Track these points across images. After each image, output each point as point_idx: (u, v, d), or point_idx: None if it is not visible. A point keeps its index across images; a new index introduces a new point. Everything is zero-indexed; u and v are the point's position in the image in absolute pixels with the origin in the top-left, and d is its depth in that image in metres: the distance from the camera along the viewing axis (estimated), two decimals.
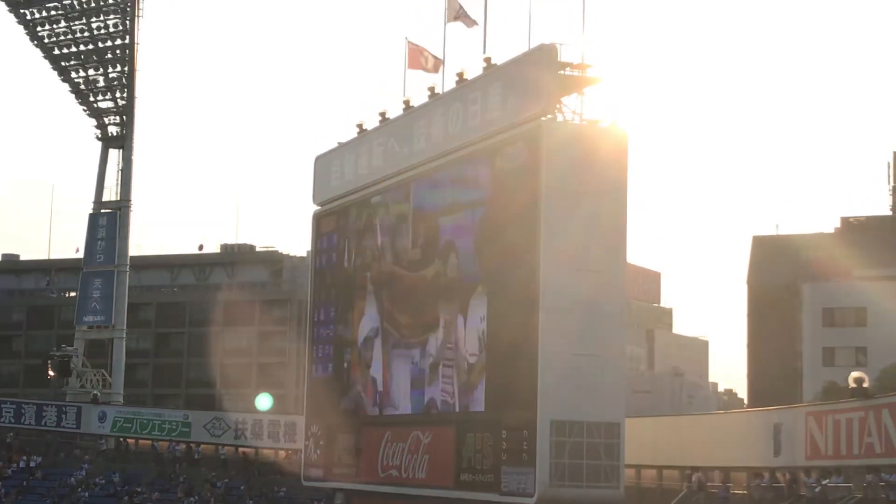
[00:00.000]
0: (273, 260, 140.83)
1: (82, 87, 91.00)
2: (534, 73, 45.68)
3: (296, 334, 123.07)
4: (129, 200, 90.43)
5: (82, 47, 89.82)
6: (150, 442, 77.82)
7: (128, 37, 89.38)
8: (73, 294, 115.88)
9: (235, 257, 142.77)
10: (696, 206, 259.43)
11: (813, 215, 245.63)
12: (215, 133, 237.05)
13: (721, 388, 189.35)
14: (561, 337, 43.25)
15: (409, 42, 54.91)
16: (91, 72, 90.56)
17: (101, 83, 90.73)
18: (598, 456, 43.20)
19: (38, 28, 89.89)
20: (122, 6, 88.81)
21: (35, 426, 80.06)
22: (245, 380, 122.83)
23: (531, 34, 47.03)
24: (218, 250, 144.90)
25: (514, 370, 44.76)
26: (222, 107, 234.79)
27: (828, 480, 43.95)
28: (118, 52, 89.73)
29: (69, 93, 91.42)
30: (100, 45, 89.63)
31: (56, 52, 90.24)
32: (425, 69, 54.17)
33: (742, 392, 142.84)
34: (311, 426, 60.93)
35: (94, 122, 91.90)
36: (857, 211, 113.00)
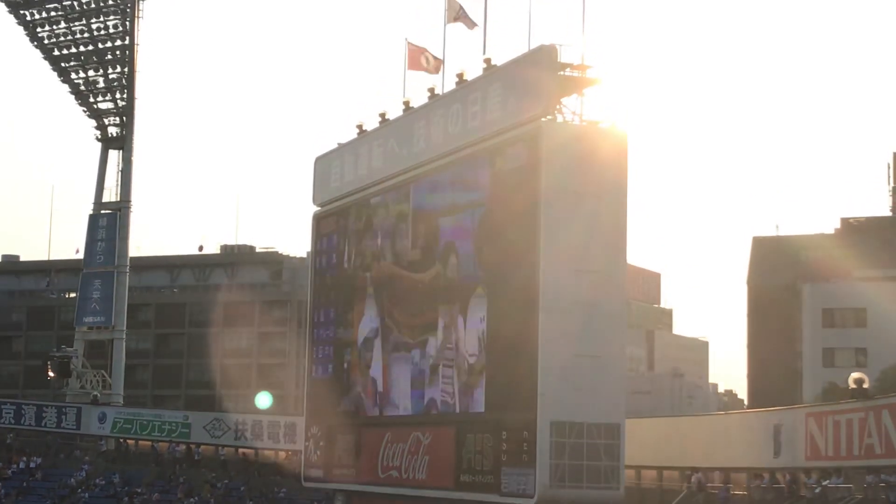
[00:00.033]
0: (273, 261, 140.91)
1: (82, 87, 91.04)
2: (534, 74, 45.66)
3: (296, 335, 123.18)
4: (129, 201, 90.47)
5: (82, 48, 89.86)
6: (150, 443, 77.81)
7: (128, 38, 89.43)
8: (72, 295, 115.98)
9: (235, 258, 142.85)
10: (696, 207, 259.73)
11: (813, 216, 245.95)
12: (215, 134, 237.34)
13: (721, 389, 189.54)
14: (561, 337, 43.22)
15: (408, 43, 54.90)
16: (91, 73, 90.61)
17: (101, 84, 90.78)
18: (599, 457, 43.17)
19: (38, 29, 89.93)
20: (121, 7, 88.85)
21: (35, 427, 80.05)
22: (245, 381, 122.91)
23: (531, 35, 47.05)
24: (218, 251, 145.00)
25: (514, 371, 44.74)
26: (222, 107, 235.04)
27: (828, 481, 43.95)
28: (118, 52, 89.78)
29: (69, 94, 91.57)
30: (100, 46, 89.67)
31: (56, 52, 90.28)
32: (425, 70, 54.14)
33: (742, 393, 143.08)
34: (311, 427, 60.90)
35: (93, 122, 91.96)
36: (857, 212, 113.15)
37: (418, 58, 54.34)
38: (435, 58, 53.91)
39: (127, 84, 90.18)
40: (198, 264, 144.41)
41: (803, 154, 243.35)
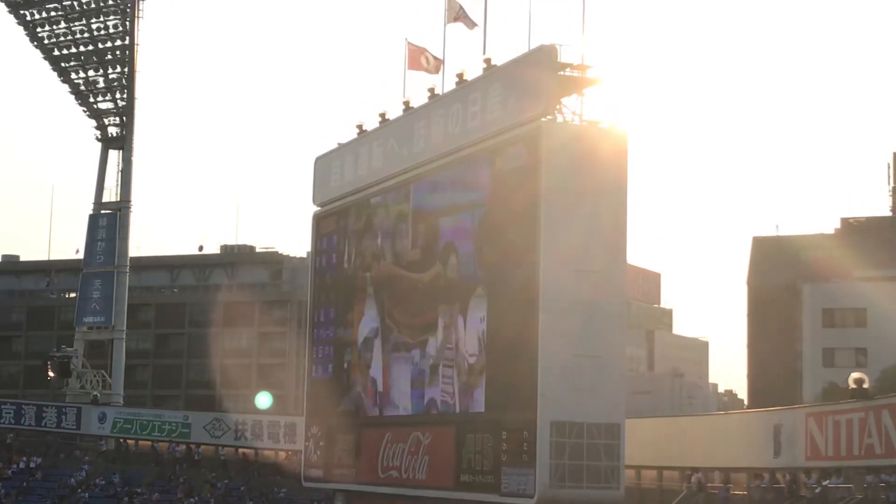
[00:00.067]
0: (273, 261, 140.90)
1: (82, 88, 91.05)
2: (534, 74, 45.66)
3: (296, 335, 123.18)
4: (128, 201, 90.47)
5: (82, 48, 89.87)
6: (150, 443, 77.80)
7: (128, 38, 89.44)
8: (72, 295, 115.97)
9: (235, 258, 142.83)
10: (696, 207, 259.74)
11: (813, 216, 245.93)
12: (215, 134, 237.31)
13: (721, 389, 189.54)
14: (561, 337, 43.21)
15: (408, 43, 54.91)
16: (91, 73, 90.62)
17: (101, 84, 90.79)
18: (599, 457, 43.16)
19: (38, 29, 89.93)
20: (121, 7, 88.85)
21: (35, 427, 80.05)
22: (245, 381, 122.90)
23: (531, 35, 47.06)
24: (218, 251, 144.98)
25: (514, 371, 44.74)
26: (222, 108, 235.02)
27: (828, 481, 43.95)
28: (118, 53, 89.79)
29: (69, 94, 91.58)
30: (100, 46, 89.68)
31: (56, 53, 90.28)
32: (425, 70, 54.14)
33: (742, 393, 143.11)
34: (311, 427, 60.90)
35: (93, 122, 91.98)
36: (857, 212, 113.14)
37: (418, 58, 54.34)
38: (435, 58, 53.91)
39: (127, 84, 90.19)
40: (198, 264, 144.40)
41: (803, 154, 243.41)
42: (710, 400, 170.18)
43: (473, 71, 49.92)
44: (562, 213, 43.91)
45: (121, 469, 76.09)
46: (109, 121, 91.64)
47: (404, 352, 52.55)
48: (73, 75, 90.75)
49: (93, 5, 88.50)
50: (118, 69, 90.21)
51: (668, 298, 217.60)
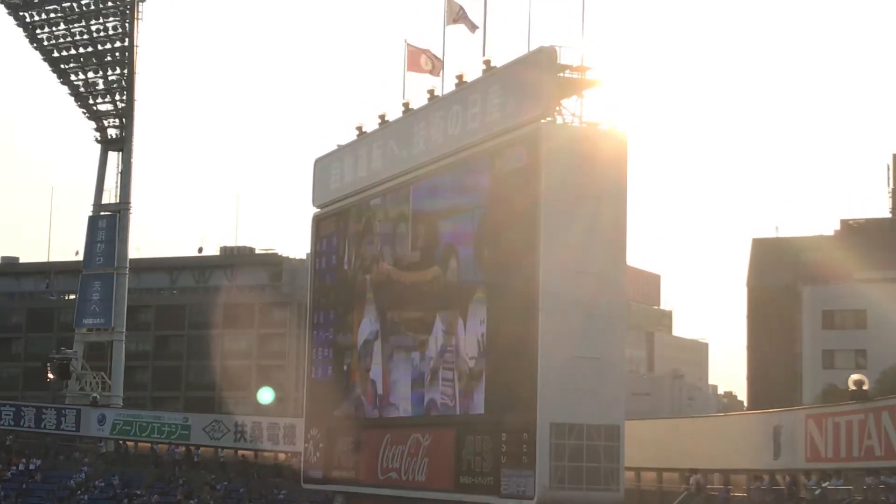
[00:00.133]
0: (273, 262, 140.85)
1: (82, 89, 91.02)
2: (533, 76, 45.66)
3: (295, 337, 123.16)
4: (128, 203, 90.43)
5: (81, 50, 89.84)
6: (149, 444, 77.72)
7: (127, 39, 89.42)
8: (72, 296, 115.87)
9: (235, 260, 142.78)
10: (696, 209, 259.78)
11: (813, 217, 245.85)
12: (215, 135, 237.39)
13: (721, 391, 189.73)
14: (561, 339, 43.22)
15: (408, 44, 54.90)
16: (90, 74, 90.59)
17: (101, 86, 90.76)
18: (598, 458, 43.16)
19: (38, 31, 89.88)
20: (121, 9, 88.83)
21: (34, 429, 79.99)
22: (245, 382, 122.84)
23: (531, 37, 47.09)
24: (217, 253, 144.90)
25: (513, 373, 44.73)
26: (222, 109, 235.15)
27: (828, 483, 43.90)
28: (117, 54, 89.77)
29: (68, 95, 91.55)
30: (99, 47, 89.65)
31: (55, 54, 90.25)
32: (425, 71, 54.14)
33: (742, 394, 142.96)
34: (310, 428, 60.89)
35: (93, 124, 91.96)
36: (856, 213, 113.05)
37: (418, 59, 54.34)
38: (434, 59, 53.87)
39: (126, 86, 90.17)
40: (197, 266, 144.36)
41: (803, 155, 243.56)
42: (710, 401, 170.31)
43: (473, 72, 49.96)
44: (561, 215, 43.92)
45: (120, 471, 76.01)
46: (109, 122, 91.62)
47: (404, 354, 52.53)
48: (73, 77, 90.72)
49: (92, 7, 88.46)
50: (118, 71, 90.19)
51: (667, 300, 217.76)
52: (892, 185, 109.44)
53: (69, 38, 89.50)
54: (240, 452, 75.56)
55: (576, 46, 45.51)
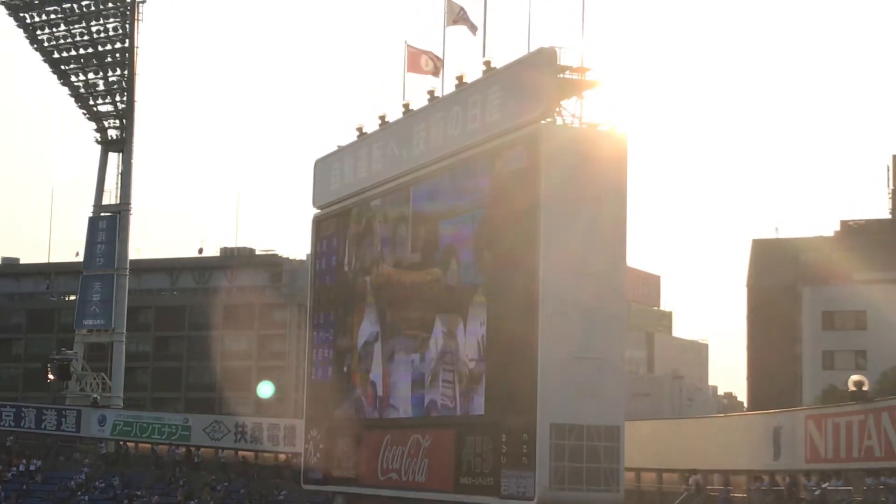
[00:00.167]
0: (273, 263, 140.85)
1: (82, 90, 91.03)
2: (533, 77, 45.70)
3: (295, 338, 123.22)
4: (128, 204, 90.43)
5: (82, 51, 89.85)
6: (149, 445, 77.70)
7: (127, 40, 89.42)
8: (72, 297, 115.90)
9: (235, 261, 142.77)
10: (696, 210, 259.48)
11: (812, 218, 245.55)
12: (215, 136, 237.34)
13: (721, 392, 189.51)
14: (561, 340, 43.25)
15: (408, 45, 54.92)
16: (91, 75, 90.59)
17: (101, 87, 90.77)
18: (598, 459, 43.19)
19: (38, 32, 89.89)
20: (121, 10, 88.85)
21: (35, 430, 79.96)
22: (245, 383, 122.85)
23: (530, 38, 47.13)
24: (217, 254, 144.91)
25: (513, 374, 44.75)
26: (222, 110, 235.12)
27: (827, 484, 43.94)
28: (118, 55, 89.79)
29: (69, 96, 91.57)
30: (99, 48, 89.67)
31: (56, 55, 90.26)
32: (425, 72, 54.17)
33: (742, 395, 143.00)
34: (310, 429, 60.92)
35: (93, 125, 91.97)
36: (856, 214, 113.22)
37: (418, 60, 54.37)
38: (434, 60, 53.87)
39: (127, 87, 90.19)
40: (197, 267, 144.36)
41: (803, 156, 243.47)
42: (710, 402, 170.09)
43: (473, 73, 50.01)
44: (561, 216, 43.95)
45: (120, 472, 76.00)
46: (109, 123, 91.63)
47: (404, 355, 52.55)
48: (73, 78, 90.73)
49: (92, 8, 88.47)
50: (118, 72, 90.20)
51: (667, 301, 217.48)
52: (891, 186, 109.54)
53: (69, 39, 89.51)
54: (240, 453, 75.55)
55: (576, 47, 45.63)
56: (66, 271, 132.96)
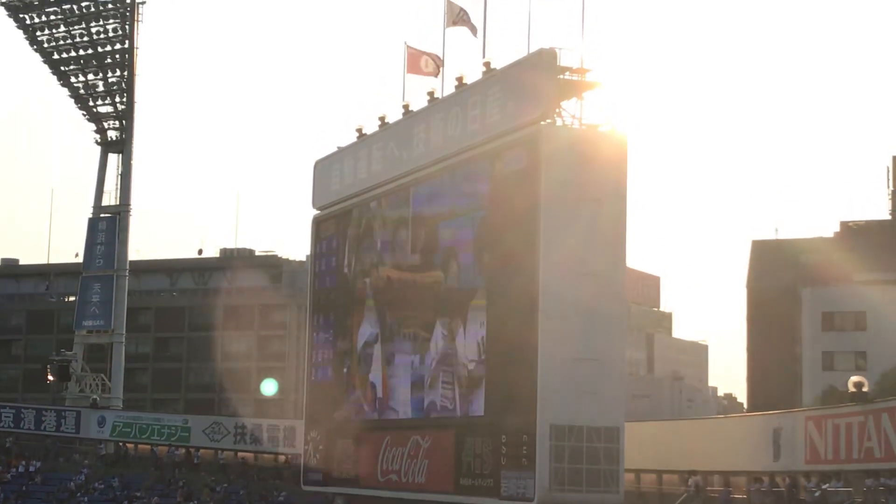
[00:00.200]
0: (272, 264, 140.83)
1: (82, 91, 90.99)
2: (533, 78, 45.69)
3: (295, 339, 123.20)
4: (128, 205, 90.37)
5: (82, 52, 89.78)
6: (149, 446, 77.68)
7: (127, 42, 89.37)
8: (72, 298, 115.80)
9: (235, 262, 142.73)
10: (696, 211, 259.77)
11: (812, 219, 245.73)
12: (215, 137, 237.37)
13: (721, 393, 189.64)
14: (560, 341, 43.23)
15: (408, 46, 54.90)
16: (90, 76, 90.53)
17: (101, 88, 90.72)
18: (598, 460, 43.17)
19: (38, 33, 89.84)
20: (121, 11, 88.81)
21: (34, 431, 79.94)
22: (245, 384, 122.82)
23: (530, 39, 47.14)
24: (217, 255, 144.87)
25: (513, 375, 44.74)
26: (222, 111, 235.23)
27: (827, 485, 43.92)
28: (118, 56, 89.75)
29: (68, 97, 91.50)
30: (99, 49, 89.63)
31: (55, 56, 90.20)
32: (425, 73, 54.16)
33: (742, 396, 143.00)
34: (310, 431, 60.90)
35: (93, 126, 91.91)
36: (856, 215, 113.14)
37: (417, 61, 54.36)
38: (434, 61, 53.85)
39: (126, 88, 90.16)
40: (197, 268, 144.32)
41: (803, 157, 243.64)
42: (710, 403, 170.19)
43: (473, 74, 50.01)
44: (561, 217, 43.94)
45: (120, 473, 75.97)
46: (109, 124, 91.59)
47: (404, 356, 52.54)
48: (73, 79, 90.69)
49: (92, 9, 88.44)
50: (118, 73, 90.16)
51: (667, 302, 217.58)
52: (891, 187, 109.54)
53: (69, 41, 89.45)
54: (240, 454, 75.53)
55: (575, 48, 45.66)
56: (65, 272, 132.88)
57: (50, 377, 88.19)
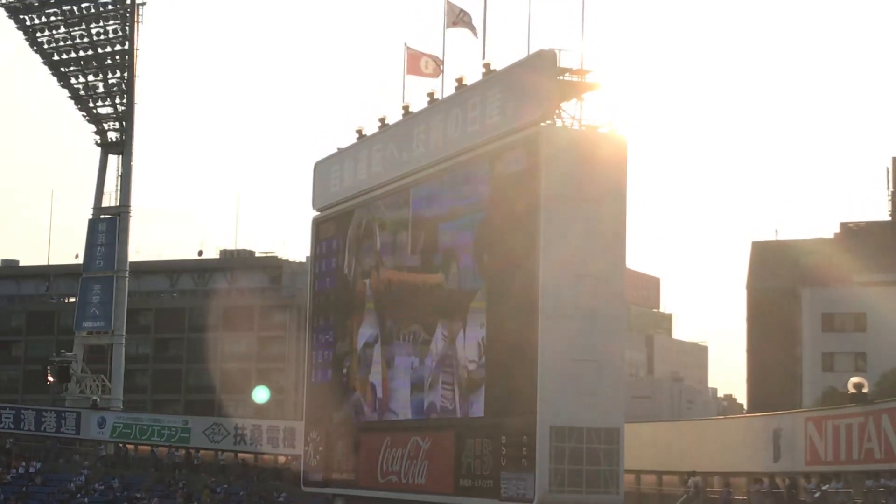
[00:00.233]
0: (272, 265, 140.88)
1: (82, 92, 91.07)
2: (533, 79, 45.69)
3: (295, 340, 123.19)
4: (128, 206, 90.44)
5: (82, 53, 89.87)
6: (149, 448, 77.74)
7: (127, 43, 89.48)
8: (72, 300, 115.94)
9: (235, 263, 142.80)
10: (696, 212, 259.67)
11: (812, 220, 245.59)
12: (215, 139, 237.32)
13: (720, 394, 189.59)
14: (560, 342, 43.22)
15: (407, 47, 54.91)
16: (90, 78, 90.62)
17: (101, 89, 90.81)
18: (598, 461, 43.17)
19: (38, 34, 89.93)
20: (121, 12, 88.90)
21: (34, 432, 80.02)
22: (244, 385, 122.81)
23: (530, 40, 47.09)
24: (217, 256, 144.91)
25: (513, 376, 44.74)
26: (222, 112, 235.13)
27: (827, 486, 43.95)
28: (117, 57, 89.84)
29: (68, 98, 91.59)
30: (99, 50, 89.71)
31: (55, 57, 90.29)
32: (424, 75, 54.15)
33: (741, 397, 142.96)
34: (310, 432, 60.90)
35: (93, 127, 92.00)
36: (856, 216, 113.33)
37: (417, 62, 54.36)
38: (434, 62, 53.84)
39: (126, 89, 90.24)
40: (197, 269, 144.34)
41: (803, 158, 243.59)
42: (710, 404, 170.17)
43: (473, 75, 49.98)
44: (561, 218, 43.93)
45: (120, 474, 76.04)
46: (109, 125, 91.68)
47: (404, 357, 52.52)
48: (73, 80, 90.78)
49: (92, 10, 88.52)
50: (118, 74, 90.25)
51: (667, 303, 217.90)
52: (891, 188, 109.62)
53: (69, 42, 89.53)
54: (240, 455, 75.59)
55: (575, 49, 45.60)
56: (65, 273, 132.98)
57: (50, 378, 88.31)
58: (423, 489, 50.14)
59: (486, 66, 49.07)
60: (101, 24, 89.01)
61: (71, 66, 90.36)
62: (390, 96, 56.14)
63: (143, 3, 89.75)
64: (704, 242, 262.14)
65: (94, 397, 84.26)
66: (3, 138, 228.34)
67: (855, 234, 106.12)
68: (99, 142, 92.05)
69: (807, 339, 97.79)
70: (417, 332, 51.53)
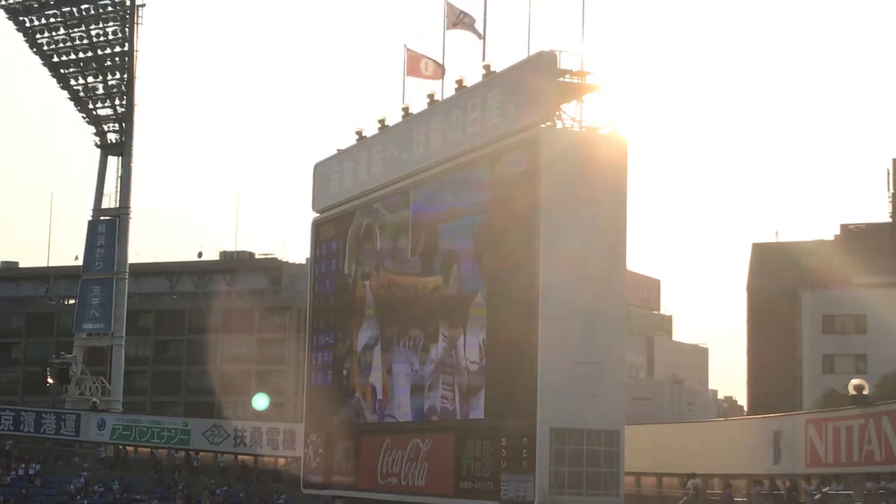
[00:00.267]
0: (272, 267, 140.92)
1: (81, 94, 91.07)
2: (533, 81, 45.65)
3: (295, 342, 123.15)
4: (128, 208, 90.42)
5: (81, 55, 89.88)
6: (149, 449, 77.71)
7: (127, 44, 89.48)
8: (72, 301, 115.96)
9: (235, 265, 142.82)
10: (696, 213, 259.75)
11: (812, 222, 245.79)
12: (215, 140, 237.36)
13: (721, 396, 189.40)
14: (560, 344, 43.17)
15: (408, 49, 54.88)
16: (90, 79, 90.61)
17: (101, 90, 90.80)
18: (598, 463, 43.13)
19: (38, 35, 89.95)
20: (121, 14, 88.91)
21: (34, 434, 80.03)
22: (244, 387, 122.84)
23: (530, 41, 47.05)
24: (217, 258, 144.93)
25: (513, 378, 44.69)
26: (222, 113, 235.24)
27: (828, 488, 43.91)
28: (117, 59, 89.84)
29: (68, 100, 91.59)
30: (99, 52, 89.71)
31: (55, 59, 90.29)
32: (424, 76, 54.11)
33: (742, 399, 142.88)
34: (310, 433, 60.86)
35: (93, 129, 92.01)
36: (856, 218, 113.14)
37: (417, 64, 54.33)
38: (434, 64, 53.81)
39: (126, 90, 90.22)
40: (197, 271, 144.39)
41: (803, 160, 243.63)
42: (710, 406, 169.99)
43: (473, 77, 49.93)
44: (561, 220, 43.88)
45: (120, 476, 76.02)
46: (109, 127, 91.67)
47: (404, 359, 52.48)
48: (73, 82, 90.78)
49: (92, 12, 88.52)
50: (117, 75, 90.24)
51: (667, 305, 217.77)
52: (892, 190, 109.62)
53: (69, 43, 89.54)
54: (239, 457, 75.51)
55: (576, 51, 45.54)
56: (65, 275, 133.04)
57: (50, 380, 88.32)
58: (422, 491, 50.09)
59: (487, 67, 49.04)
60: (101, 25, 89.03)
61: (71, 67, 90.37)
62: (390, 98, 56.16)
63: (143, 5, 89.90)
64: (705, 244, 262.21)
65: (94, 399, 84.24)
66: (4, 140, 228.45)
67: (855, 236, 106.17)
68: (99, 143, 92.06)
69: (807, 340, 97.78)
70: (417, 334, 51.48)
